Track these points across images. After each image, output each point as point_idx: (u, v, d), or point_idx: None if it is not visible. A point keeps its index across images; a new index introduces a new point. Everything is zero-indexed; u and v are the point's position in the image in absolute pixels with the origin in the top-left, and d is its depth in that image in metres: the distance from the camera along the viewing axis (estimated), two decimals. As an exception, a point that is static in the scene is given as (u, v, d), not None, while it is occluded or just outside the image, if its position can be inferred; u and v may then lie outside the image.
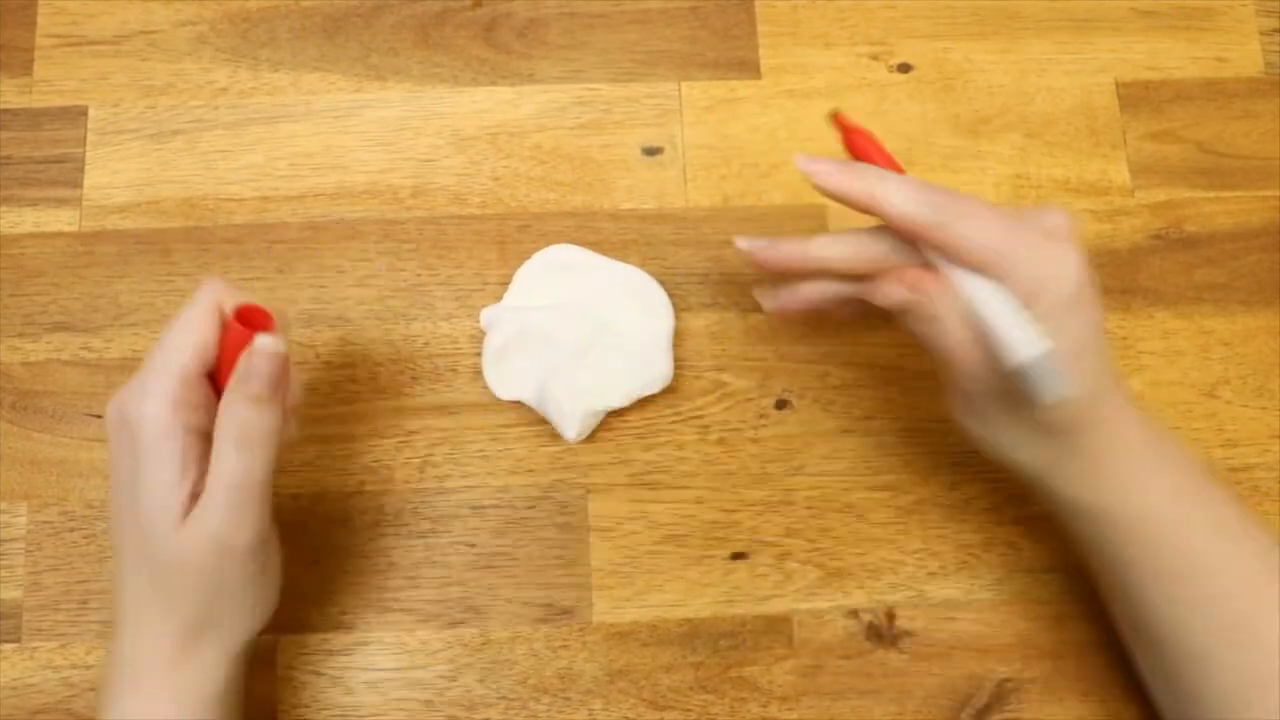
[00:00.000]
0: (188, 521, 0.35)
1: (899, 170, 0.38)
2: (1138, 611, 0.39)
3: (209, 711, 0.36)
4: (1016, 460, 0.38)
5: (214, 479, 0.35)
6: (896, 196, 0.35)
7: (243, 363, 0.35)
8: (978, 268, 0.35)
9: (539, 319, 0.45)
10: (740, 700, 0.43)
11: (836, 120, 0.39)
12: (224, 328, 0.36)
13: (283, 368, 0.35)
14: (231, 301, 0.36)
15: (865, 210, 0.36)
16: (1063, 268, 0.34)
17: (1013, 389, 0.34)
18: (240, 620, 0.37)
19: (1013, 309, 0.34)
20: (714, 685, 0.43)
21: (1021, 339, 0.34)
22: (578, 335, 0.45)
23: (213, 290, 0.36)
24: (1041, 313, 0.34)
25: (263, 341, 0.35)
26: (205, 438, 0.35)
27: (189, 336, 0.36)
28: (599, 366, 0.45)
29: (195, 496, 0.35)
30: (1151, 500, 0.37)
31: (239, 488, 0.35)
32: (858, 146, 0.39)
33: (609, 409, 0.45)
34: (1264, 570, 0.37)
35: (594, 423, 0.45)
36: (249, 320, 0.36)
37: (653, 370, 0.45)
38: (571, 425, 0.44)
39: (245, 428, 0.35)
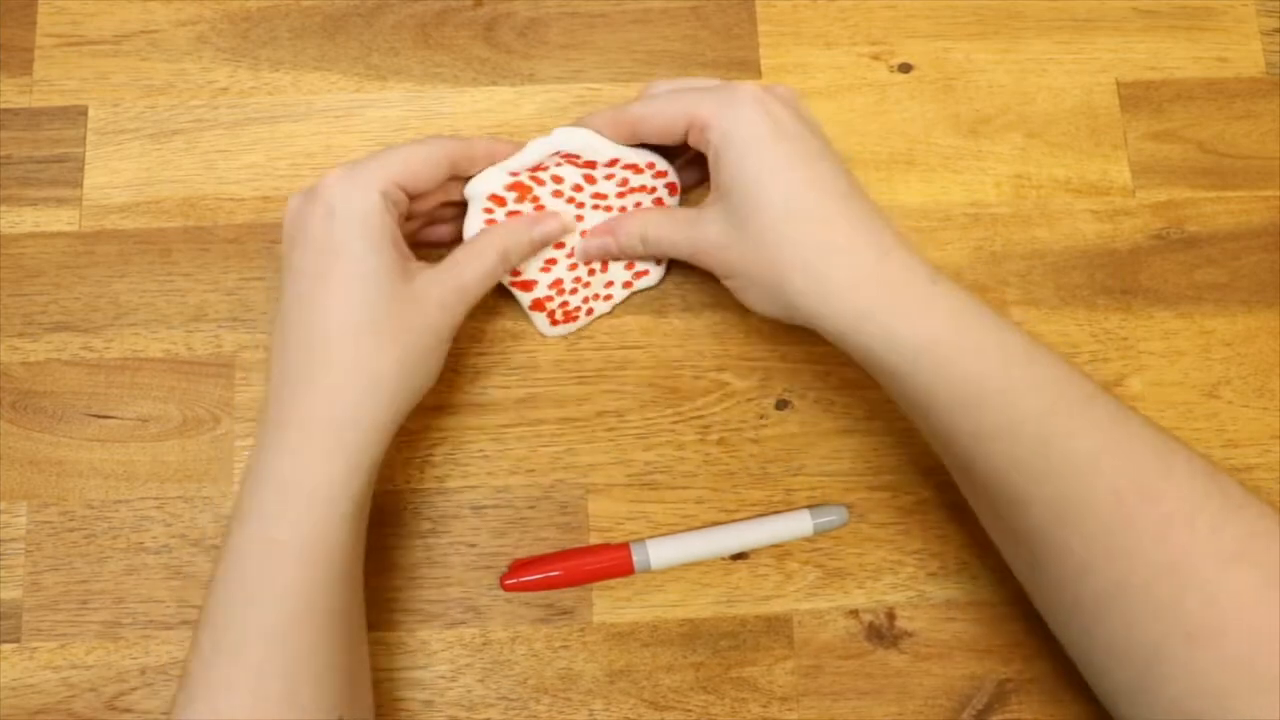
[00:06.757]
0: (437, 269, 0.39)
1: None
2: (954, 454, 0.38)
3: (362, 475, 0.38)
4: (819, 318, 0.38)
5: (481, 240, 0.40)
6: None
7: (538, 216, 0.42)
8: (682, 132, 0.40)
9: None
10: (740, 700, 0.43)
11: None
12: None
13: (532, 247, 0.42)
14: (465, 158, 0.40)
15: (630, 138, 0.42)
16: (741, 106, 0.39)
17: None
18: (419, 380, 0.39)
19: None
20: (714, 685, 0.43)
21: None
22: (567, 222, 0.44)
23: (444, 145, 0.40)
24: (738, 148, 0.39)
25: (549, 225, 0.42)
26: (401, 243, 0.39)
27: (407, 158, 0.39)
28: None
29: (407, 265, 0.39)
30: (935, 327, 0.37)
31: (501, 252, 0.40)
32: None
33: (598, 314, 0.46)
34: (1060, 394, 0.36)
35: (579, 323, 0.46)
36: None
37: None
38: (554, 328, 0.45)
39: (513, 234, 0.41)
